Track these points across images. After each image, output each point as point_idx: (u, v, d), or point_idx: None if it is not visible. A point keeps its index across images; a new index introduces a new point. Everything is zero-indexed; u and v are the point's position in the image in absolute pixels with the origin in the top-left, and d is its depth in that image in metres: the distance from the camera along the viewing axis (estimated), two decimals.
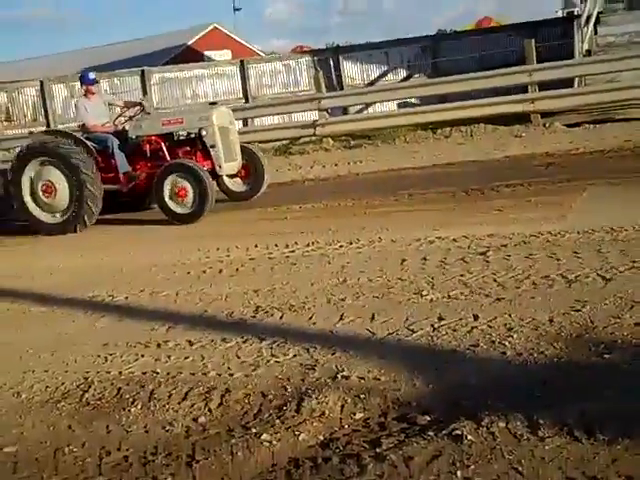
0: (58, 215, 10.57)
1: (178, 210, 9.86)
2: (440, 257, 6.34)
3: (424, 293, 5.43)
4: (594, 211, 7.41)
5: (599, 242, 6.14)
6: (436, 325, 4.76)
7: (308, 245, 7.50)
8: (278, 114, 18.45)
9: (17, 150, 11.08)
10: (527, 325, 4.55)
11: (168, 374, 4.52)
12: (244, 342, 4.92)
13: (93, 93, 11.15)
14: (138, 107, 11.15)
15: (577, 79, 15.86)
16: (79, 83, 11.49)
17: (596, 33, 17.81)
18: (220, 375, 4.41)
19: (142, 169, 10.53)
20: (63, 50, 44.97)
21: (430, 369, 4.12)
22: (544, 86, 15.35)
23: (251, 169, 10.87)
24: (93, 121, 10.90)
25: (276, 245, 7.68)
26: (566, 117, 14.88)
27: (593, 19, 17.98)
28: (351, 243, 7.34)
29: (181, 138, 10.64)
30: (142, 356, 4.93)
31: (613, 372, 3.79)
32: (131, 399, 4.21)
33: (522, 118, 15.00)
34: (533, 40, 15.61)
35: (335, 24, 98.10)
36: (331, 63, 22.95)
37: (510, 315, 4.75)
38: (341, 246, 7.31)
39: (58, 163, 10.38)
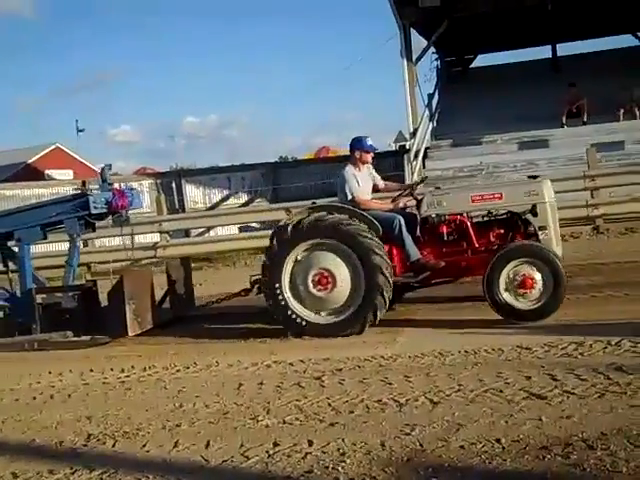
0: (329, 312, 8.21)
1: (517, 305, 7.71)
2: (276, 381, 6.40)
3: (260, 418, 5.45)
4: (424, 335, 7.74)
5: (428, 366, 6.40)
6: (271, 451, 4.77)
7: (145, 369, 7.38)
8: (119, 235, 18.21)
9: (277, 228, 8.54)
10: (360, 450, 4.64)
11: None
12: (73, 473, 4.73)
13: (365, 162, 8.84)
14: (421, 183, 9.20)
15: None
16: (349, 149, 8.97)
17: (424, 167, 19.02)
18: None
19: (434, 256, 8.35)
20: None
21: None
22: None
23: None
24: (365, 196, 8.73)
25: (112, 369, 7.51)
26: None
27: (421, 154, 19.26)
28: (188, 367, 7.29)
29: (485, 219, 8.63)
30: None
31: None
32: None
33: None
34: None
35: (180, 147, 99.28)
36: (174, 186, 23.17)
37: (344, 440, 4.83)
38: (178, 370, 7.26)
39: (339, 246, 8.09)
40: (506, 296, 7.70)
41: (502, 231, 8.39)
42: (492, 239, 8.35)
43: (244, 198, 23.33)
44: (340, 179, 8.70)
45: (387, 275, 7.95)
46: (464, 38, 23.29)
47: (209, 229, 19.87)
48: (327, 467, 4.43)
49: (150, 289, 9.36)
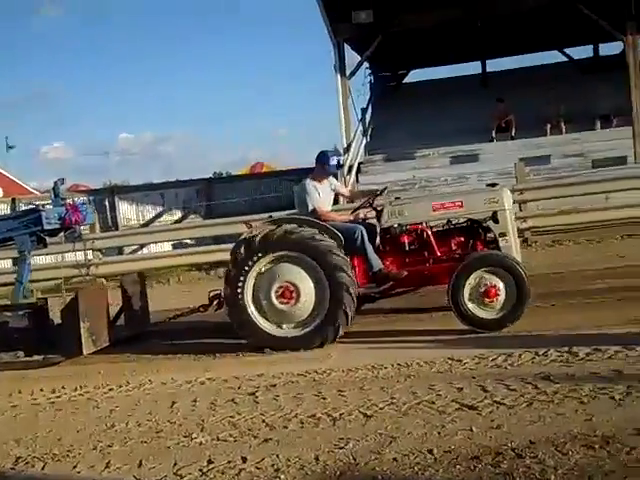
0: (293, 326, 8.14)
1: (481, 315, 7.73)
2: (210, 398, 6.37)
3: (194, 436, 5.42)
4: (358, 350, 7.78)
5: (362, 380, 6.45)
6: (205, 469, 4.75)
7: (76, 389, 7.27)
8: (50, 254, 17.90)
9: (238, 241, 8.32)
10: (294, 465, 4.65)
11: None
12: None
13: (324, 178, 8.80)
14: (382, 193, 8.97)
15: None
16: (315, 160, 8.81)
17: (358, 181, 19.17)
18: None
19: (396, 266, 8.38)
20: None
21: None
22: None
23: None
24: (326, 208, 8.70)
25: (41, 390, 7.38)
26: None
27: (355, 168, 19.40)
28: (120, 386, 7.21)
29: (445, 227, 8.65)
30: None
31: None
32: None
33: None
34: None
35: (114, 164, 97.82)
36: (107, 203, 22.88)
37: (278, 456, 4.84)
38: (110, 389, 7.16)
39: (306, 260, 8.01)
40: (471, 306, 7.75)
41: (463, 239, 8.44)
42: (453, 247, 8.40)
43: (178, 215, 23.19)
44: (301, 191, 8.71)
45: (352, 294, 7.94)
46: (397, 54, 23.60)
47: (142, 246, 19.66)
48: None
49: (105, 306, 9.17)
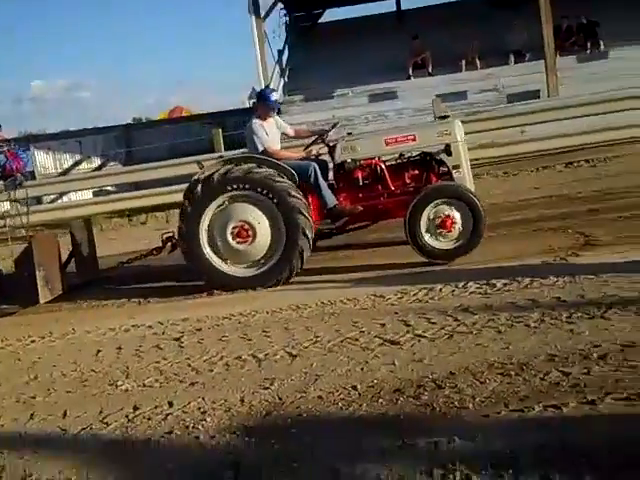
0: (248, 265, 8.11)
1: (438, 246, 7.80)
2: (135, 345, 6.36)
3: (119, 383, 5.41)
4: (282, 290, 7.82)
5: (286, 320, 6.51)
6: (131, 416, 4.75)
7: None
8: None
9: (194, 181, 8.16)
10: (220, 407, 4.70)
11: None
12: None
13: (268, 116, 8.59)
14: (332, 129, 8.80)
15: None
16: (255, 100, 8.75)
17: None
18: None
19: (350, 201, 8.36)
20: None
21: (125, 462, 4.11)
22: None
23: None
24: (276, 146, 8.54)
25: None
26: None
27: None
28: (43, 337, 7.12)
29: (399, 161, 8.57)
30: None
31: (299, 447, 4.01)
32: None
33: None
34: (221, 129, 16.32)
35: (28, 112, 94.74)
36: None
37: (204, 399, 4.87)
38: (33, 341, 7.07)
39: (263, 199, 7.95)
40: (428, 238, 7.80)
41: (416, 172, 8.43)
42: (407, 181, 8.40)
43: (97, 162, 22.71)
44: (248, 132, 8.55)
45: (308, 236, 7.95)
46: None
47: (62, 195, 19.23)
48: (188, 427, 4.47)
49: (57, 254, 9.01)
